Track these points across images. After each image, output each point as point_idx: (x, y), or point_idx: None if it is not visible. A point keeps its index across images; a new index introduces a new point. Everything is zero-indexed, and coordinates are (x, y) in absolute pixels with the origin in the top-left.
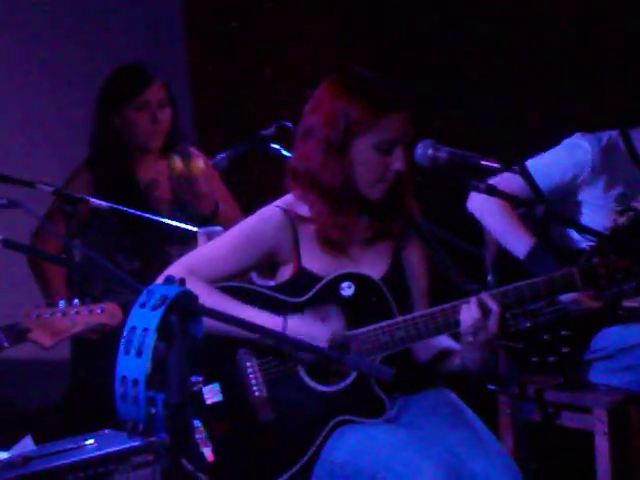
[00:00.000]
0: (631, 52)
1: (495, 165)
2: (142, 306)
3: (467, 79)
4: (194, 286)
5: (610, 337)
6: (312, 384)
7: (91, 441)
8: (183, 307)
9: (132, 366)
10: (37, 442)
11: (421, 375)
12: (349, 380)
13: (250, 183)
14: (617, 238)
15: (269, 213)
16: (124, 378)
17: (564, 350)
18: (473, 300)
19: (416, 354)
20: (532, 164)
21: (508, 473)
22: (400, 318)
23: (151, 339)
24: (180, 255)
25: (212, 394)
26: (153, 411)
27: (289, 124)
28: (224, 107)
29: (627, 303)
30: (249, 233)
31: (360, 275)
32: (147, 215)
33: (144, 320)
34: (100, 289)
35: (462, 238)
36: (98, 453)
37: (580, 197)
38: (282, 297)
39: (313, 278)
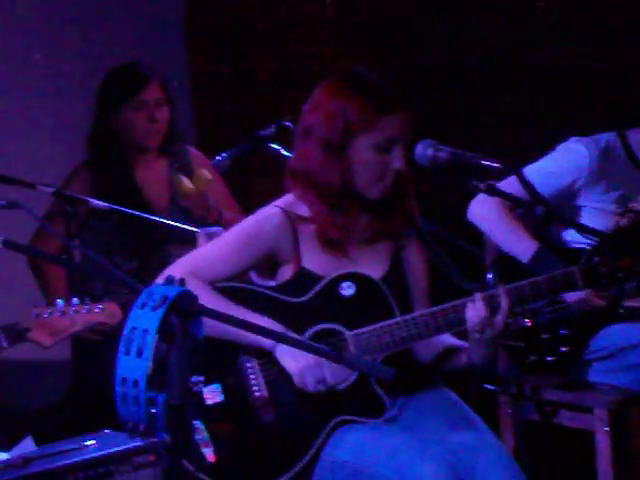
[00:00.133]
0: (631, 51)
1: (495, 165)
2: (142, 306)
3: (467, 79)
4: (194, 287)
5: (611, 336)
6: None
7: (92, 442)
8: (183, 307)
9: (132, 367)
10: (37, 443)
11: (422, 375)
12: (350, 380)
13: (250, 183)
14: (618, 238)
15: (269, 213)
16: (124, 379)
17: (563, 349)
18: (478, 297)
19: (417, 353)
20: (529, 171)
21: (509, 472)
22: (400, 318)
23: (151, 340)
24: (179, 255)
25: (213, 395)
26: (154, 411)
27: (289, 124)
28: (224, 107)
29: (628, 302)
30: (249, 233)
31: (360, 275)
32: (146, 215)
33: (144, 321)
34: (100, 289)
35: (462, 238)
36: (99, 454)
37: (579, 201)
38: (282, 297)
39: (313, 278)
